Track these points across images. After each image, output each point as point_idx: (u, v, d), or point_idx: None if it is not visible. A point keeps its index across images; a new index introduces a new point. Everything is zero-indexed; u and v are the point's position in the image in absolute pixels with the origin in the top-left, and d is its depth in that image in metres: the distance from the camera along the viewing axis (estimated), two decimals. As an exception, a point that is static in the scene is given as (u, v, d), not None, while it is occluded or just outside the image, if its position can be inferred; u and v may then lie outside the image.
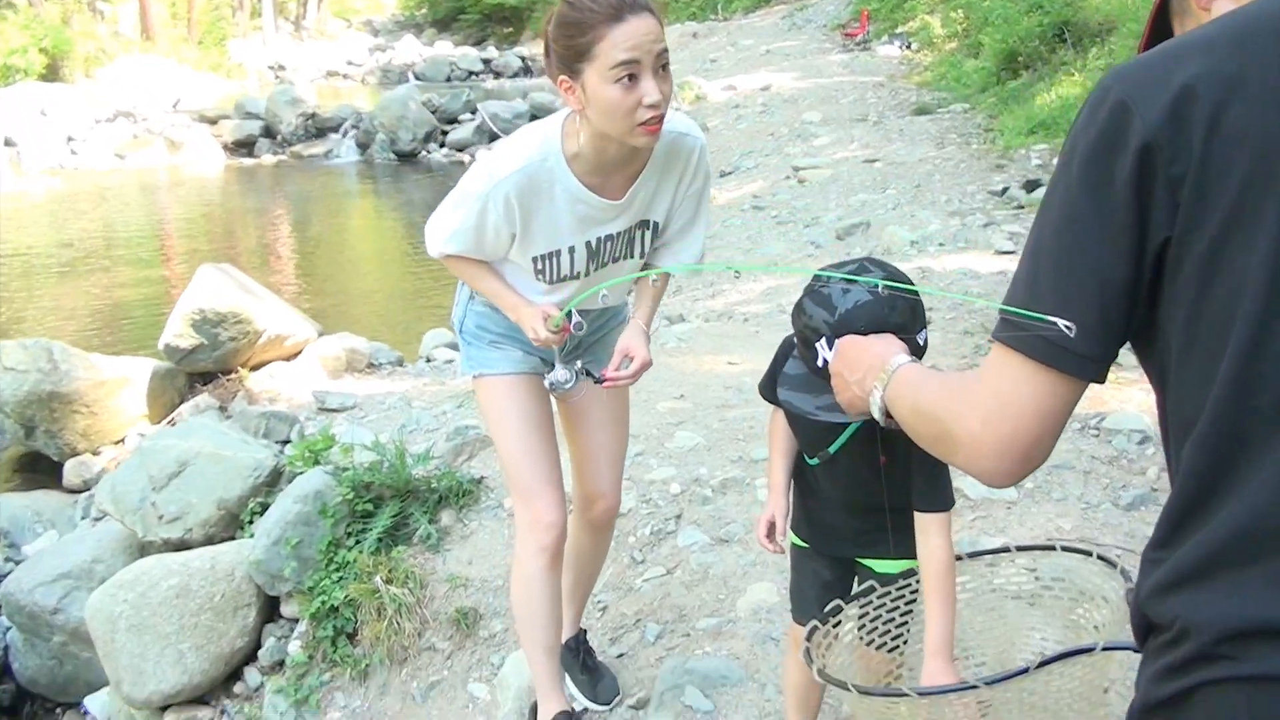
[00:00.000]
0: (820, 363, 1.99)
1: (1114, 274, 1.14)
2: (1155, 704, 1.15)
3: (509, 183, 2.55)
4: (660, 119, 2.43)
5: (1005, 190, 9.24)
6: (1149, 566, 1.18)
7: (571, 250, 2.69)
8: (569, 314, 2.65)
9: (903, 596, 2.37)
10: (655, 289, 2.89)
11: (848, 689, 1.95)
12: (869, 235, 8.74)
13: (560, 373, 2.81)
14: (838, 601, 2.32)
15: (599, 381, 2.76)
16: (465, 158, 19.86)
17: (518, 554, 2.98)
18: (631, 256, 2.81)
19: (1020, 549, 2.35)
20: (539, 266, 2.71)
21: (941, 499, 2.20)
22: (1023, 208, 8.67)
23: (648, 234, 2.78)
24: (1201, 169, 1.09)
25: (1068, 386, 1.20)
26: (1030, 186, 9.12)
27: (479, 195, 2.58)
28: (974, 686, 1.85)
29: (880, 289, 1.96)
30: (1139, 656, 1.21)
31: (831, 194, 10.58)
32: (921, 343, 2.02)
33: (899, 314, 1.95)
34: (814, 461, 2.38)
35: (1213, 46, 1.12)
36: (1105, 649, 1.85)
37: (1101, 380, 1.21)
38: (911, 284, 2.01)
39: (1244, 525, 1.08)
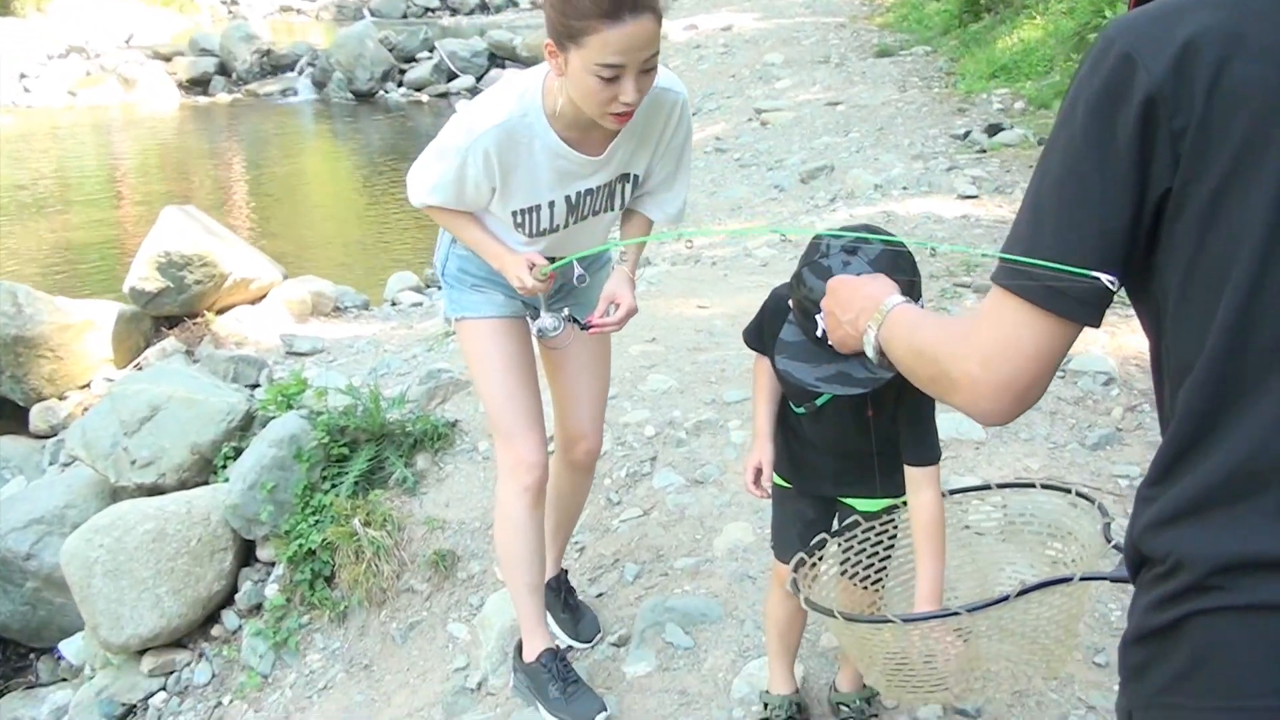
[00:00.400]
0: (820, 333, 2.02)
1: (1114, 223, 1.19)
2: (1148, 632, 1.21)
3: (488, 137, 2.55)
4: (632, 112, 2.45)
5: (968, 134, 9.27)
6: (1142, 504, 1.24)
7: (551, 205, 2.71)
8: (565, 266, 2.68)
9: (885, 532, 2.44)
10: (642, 233, 2.91)
11: (834, 616, 2.02)
12: (833, 179, 8.77)
13: (547, 320, 2.84)
14: (823, 535, 2.39)
15: (585, 328, 2.79)
16: (423, 97, 19.63)
17: (500, 495, 3.03)
18: (611, 209, 2.83)
19: (1000, 486, 2.43)
20: (518, 220, 2.73)
21: (930, 452, 2.27)
22: (985, 151, 8.71)
23: (628, 187, 2.80)
24: (1203, 123, 1.13)
25: (1066, 330, 1.24)
26: (992, 130, 9.16)
27: (459, 149, 2.59)
28: (956, 613, 1.92)
29: (868, 250, 2.01)
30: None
31: (794, 137, 10.58)
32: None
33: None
34: (800, 410, 2.44)
35: (1215, 4, 1.15)
36: (1083, 579, 1.92)
37: (1097, 324, 1.26)
38: (910, 253, 2.04)
39: (1238, 463, 1.13)
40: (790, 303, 2.17)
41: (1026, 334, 1.25)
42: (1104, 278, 1.19)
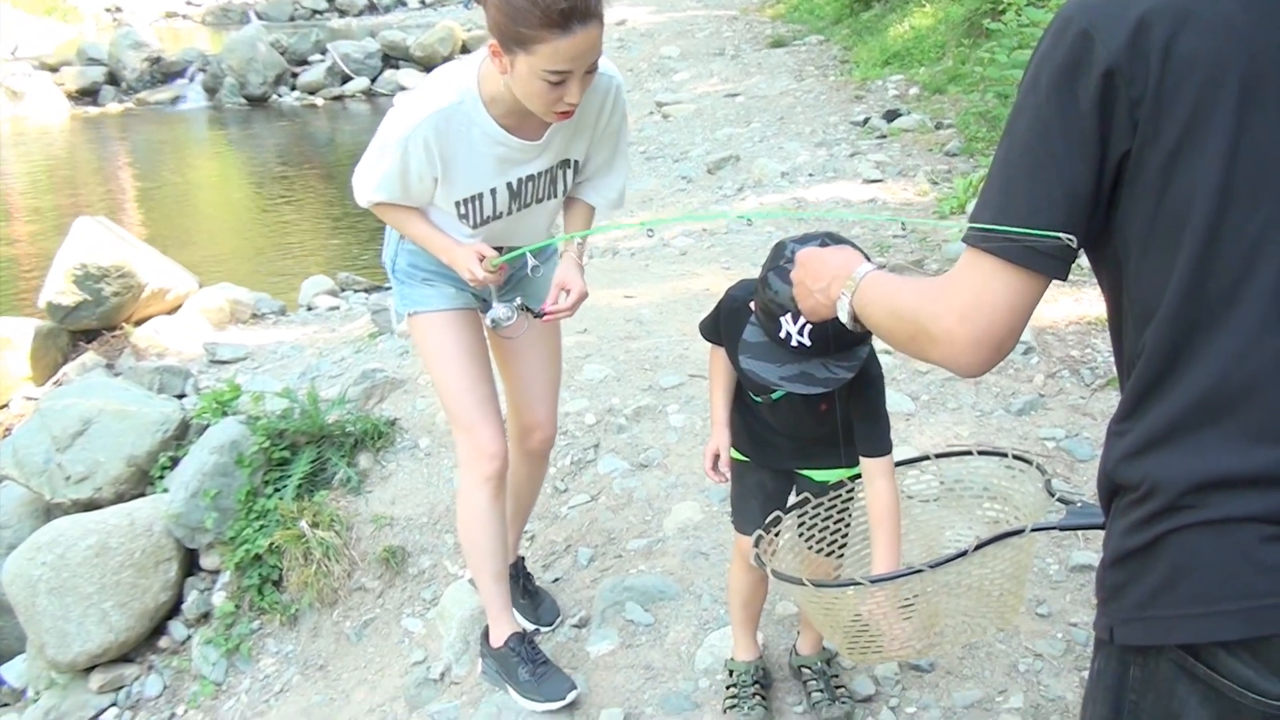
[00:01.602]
0: (783, 334, 2.14)
1: (1079, 183, 1.32)
2: (1126, 553, 1.34)
3: (426, 125, 2.60)
4: (575, 108, 2.54)
5: (867, 120, 9.50)
6: (1114, 438, 1.38)
7: (494, 192, 2.76)
8: (517, 258, 2.76)
9: (835, 505, 2.56)
10: (584, 222, 3.00)
11: (802, 584, 2.13)
12: (739, 169, 8.93)
13: (500, 310, 2.90)
14: (777, 513, 2.52)
15: (539, 316, 2.86)
16: (318, 101, 19.40)
17: (462, 486, 3.09)
18: (555, 196, 2.89)
19: (939, 456, 2.56)
20: (462, 210, 2.77)
21: (883, 444, 2.40)
22: (885, 137, 8.95)
23: (569, 173, 2.87)
24: (1158, 90, 1.26)
25: (1037, 284, 1.37)
26: (890, 116, 9.41)
27: (399, 141, 2.63)
28: (919, 570, 2.04)
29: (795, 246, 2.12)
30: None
31: (697, 129, 10.73)
32: None
33: None
34: (758, 400, 2.56)
35: None
36: (1034, 529, 2.05)
37: (1064, 277, 1.38)
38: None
39: (1202, 393, 1.27)
40: (753, 304, 2.27)
41: (1000, 288, 1.36)
42: (1064, 236, 1.32)
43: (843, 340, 2.13)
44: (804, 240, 2.10)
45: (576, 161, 2.86)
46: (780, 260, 2.15)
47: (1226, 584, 1.24)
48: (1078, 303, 4.83)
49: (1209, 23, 1.25)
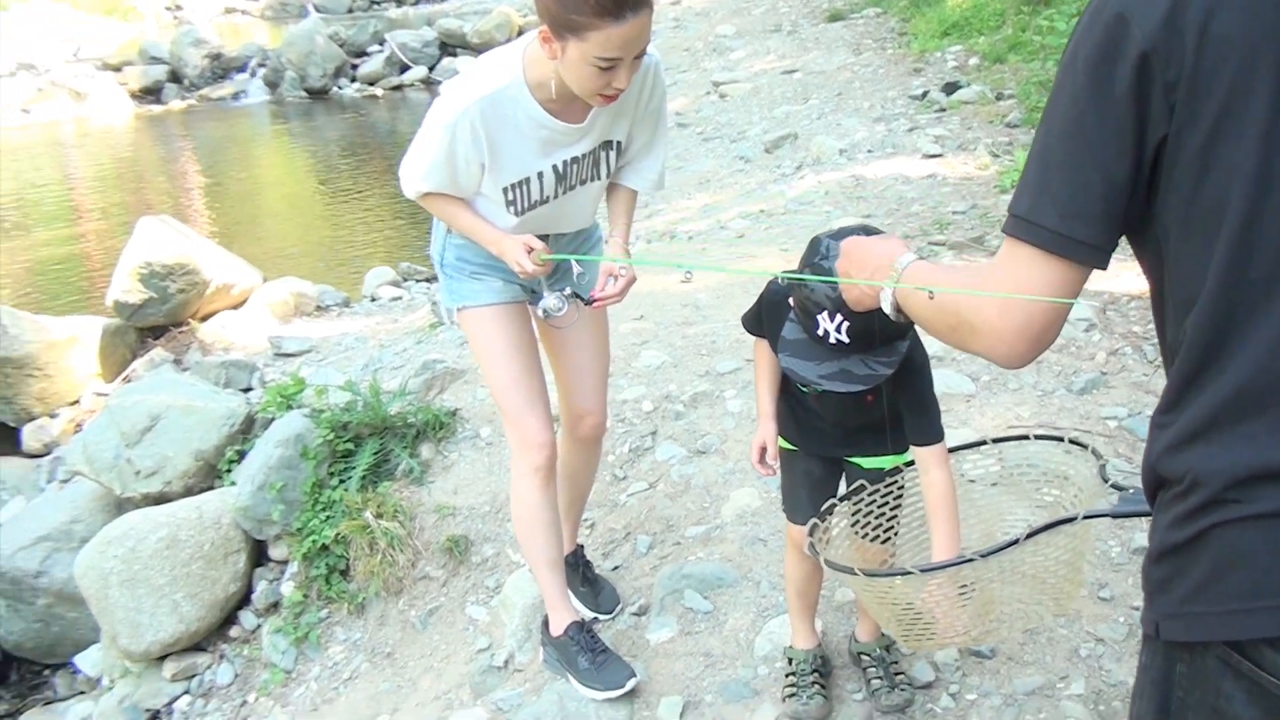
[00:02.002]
0: (821, 332, 2.14)
1: (1117, 169, 1.29)
2: (1170, 548, 1.32)
3: (474, 109, 2.62)
4: (620, 93, 2.56)
5: (925, 94, 9.40)
6: (1157, 430, 1.35)
7: (540, 176, 2.78)
8: (562, 261, 2.78)
9: (890, 492, 2.55)
10: (626, 206, 3.02)
11: (854, 573, 2.13)
12: (797, 147, 8.88)
13: (551, 299, 2.92)
14: (832, 501, 2.51)
15: (589, 303, 2.88)
16: (378, 91, 19.57)
17: (513, 477, 3.12)
18: (598, 178, 2.91)
19: (996, 441, 2.53)
20: (510, 196, 2.79)
21: (935, 431, 2.38)
22: (944, 110, 8.84)
23: (612, 154, 2.89)
24: (1194, 74, 1.23)
25: (1076, 273, 1.35)
26: (949, 89, 9.29)
27: (446, 126, 2.65)
28: (970, 559, 2.02)
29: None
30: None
31: (754, 107, 10.68)
32: None
33: None
34: (804, 390, 2.55)
35: None
36: (1086, 517, 2.02)
37: (1104, 266, 1.36)
38: None
39: (1245, 383, 1.24)
40: (791, 301, 2.27)
41: (1040, 279, 1.35)
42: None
43: (883, 335, 2.12)
44: (839, 234, 2.10)
45: (619, 142, 2.88)
46: (815, 257, 2.14)
47: (1271, 579, 1.21)
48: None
49: (1244, 3, 1.22)
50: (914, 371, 2.34)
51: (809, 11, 14.79)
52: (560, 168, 2.80)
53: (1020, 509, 2.52)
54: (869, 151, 8.12)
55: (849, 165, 7.85)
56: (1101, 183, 1.30)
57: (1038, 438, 2.43)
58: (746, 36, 14.03)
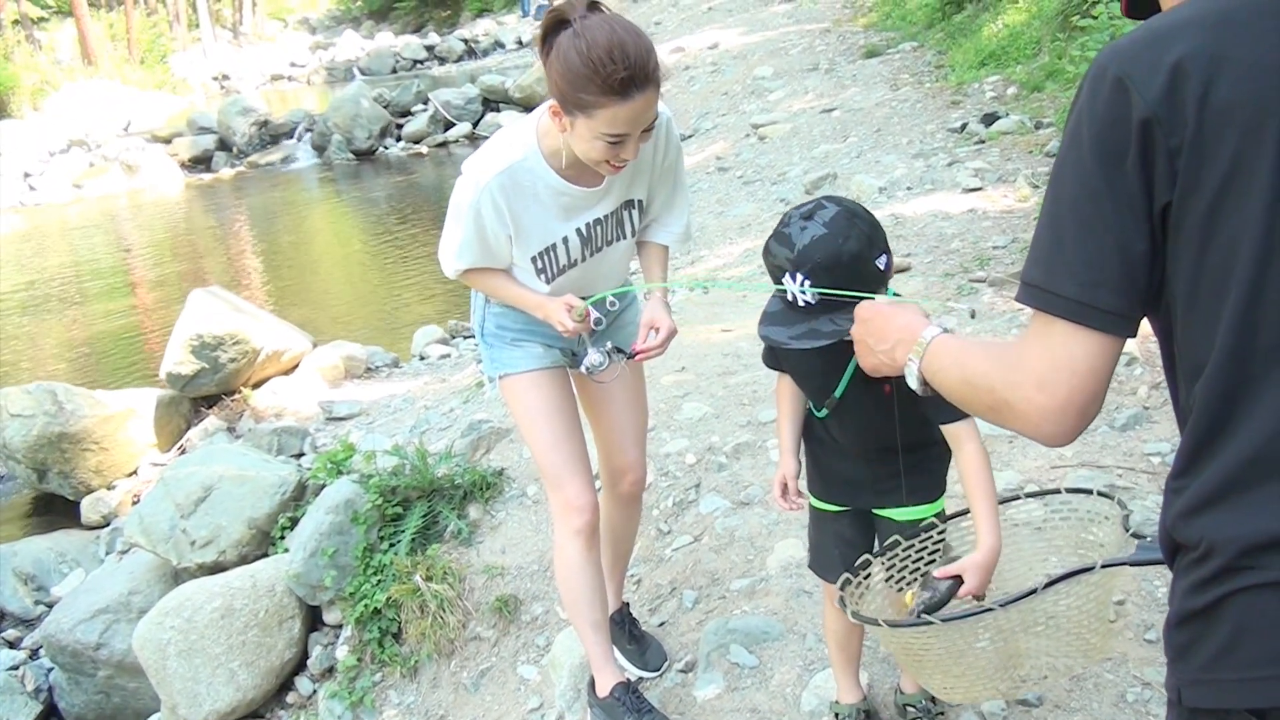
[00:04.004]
0: (790, 297, 2.19)
1: (1132, 237, 1.28)
2: (1189, 615, 1.31)
3: (494, 185, 2.69)
4: (627, 164, 2.63)
5: (964, 126, 9.36)
6: (1171, 496, 1.34)
7: (565, 241, 2.84)
8: (599, 301, 2.82)
9: (925, 548, 2.51)
10: (659, 261, 3.06)
11: (879, 624, 2.11)
12: (836, 187, 8.87)
13: (594, 356, 2.93)
14: (866, 556, 2.47)
15: (630, 357, 2.91)
16: (423, 149, 19.88)
17: (556, 540, 3.15)
18: (624, 237, 2.96)
19: (1029, 495, 2.49)
20: (539, 265, 2.85)
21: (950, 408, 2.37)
22: (983, 142, 8.81)
23: (635, 212, 2.93)
24: (1196, 140, 1.23)
25: (1110, 343, 1.32)
26: (988, 120, 9.25)
27: (470, 205, 2.72)
28: (990, 609, 2.00)
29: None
30: (1156, 569, 1.37)
31: (794, 148, 10.69)
32: (882, 267, 2.21)
33: (854, 242, 2.16)
34: (823, 413, 2.54)
35: (1198, 28, 1.25)
36: (1104, 566, 2.00)
37: (1134, 334, 1.34)
38: (868, 213, 2.25)
39: (1255, 450, 1.24)
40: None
41: (1078, 352, 1.32)
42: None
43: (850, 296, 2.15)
44: (805, 209, 2.22)
45: (640, 201, 2.93)
46: (780, 225, 2.22)
47: None
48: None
49: (1247, 69, 1.22)
50: None
51: (845, 49, 14.82)
52: (584, 230, 2.85)
53: (1062, 554, 2.48)
54: (908, 189, 8.10)
55: (888, 204, 7.83)
56: (1118, 251, 1.29)
57: (1068, 491, 2.40)
58: (784, 77, 14.07)
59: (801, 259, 2.15)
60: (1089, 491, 2.29)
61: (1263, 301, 1.22)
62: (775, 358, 2.61)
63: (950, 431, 2.34)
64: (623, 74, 2.41)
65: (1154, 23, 1.31)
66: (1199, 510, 1.29)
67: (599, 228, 2.87)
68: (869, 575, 2.46)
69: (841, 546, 2.63)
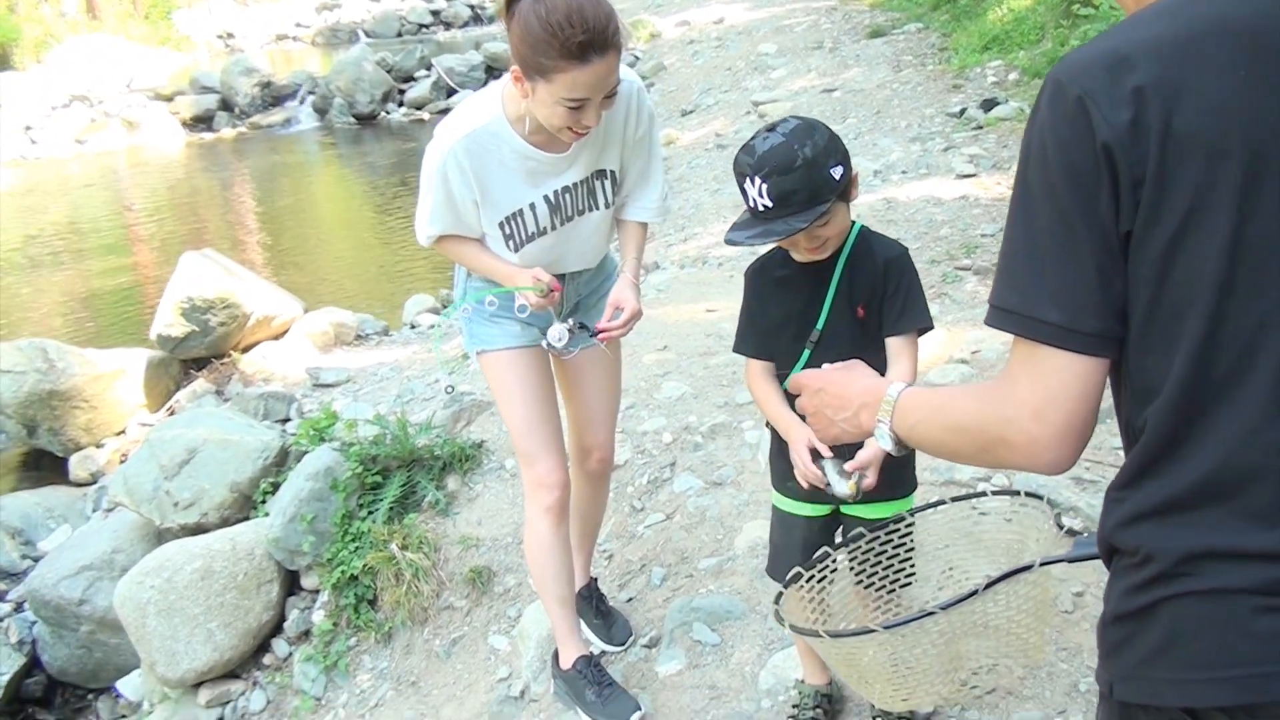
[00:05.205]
0: (751, 201, 2.30)
1: (1105, 257, 1.28)
2: (1125, 614, 1.34)
3: (458, 148, 2.73)
4: (589, 130, 2.66)
5: (963, 111, 9.35)
6: (1113, 504, 1.37)
7: (533, 207, 2.86)
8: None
9: (890, 540, 2.49)
10: (634, 240, 3.09)
11: (819, 635, 2.09)
12: (832, 168, 8.86)
13: (556, 329, 2.98)
14: (825, 549, 2.46)
15: (593, 335, 2.95)
16: (425, 115, 19.77)
17: (527, 515, 3.21)
18: (595, 208, 2.97)
19: (955, 500, 2.48)
20: (506, 231, 2.88)
21: (916, 316, 2.48)
22: (981, 128, 8.80)
23: (607, 184, 2.95)
24: (1158, 172, 1.23)
25: (1099, 365, 1.31)
26: (987, 105, 9.24)
27: (437, 170, 2.77)
28: (932, 613, 2.01)
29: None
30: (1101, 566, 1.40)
31: (793, 128, 10.66)
32: (836, 177, 2.29)
33: (809, 149, 2.26)
34: (801, 362, 2.51)
35: (1158, 54, 1.25)
36: (1042, 564, 2.02)
37: (1117, 356, 1.33)
38: (829, 129, 2.36)
39: (1203, 477, 1.26)
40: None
41: (1068, 377, 1.30)
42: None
43: (804, 197, 2.27)
44: (771, 123, 2.35)
45: (613, 172, 2.94)
46: (750, 139, 2.33)
47: (1222, 652, 1.25)
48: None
49: (1207, 100, 1.22)
50: (902, 271, 2.50)
51: (850, 28, 14.76)
52: (553, 198, 2.87)
53: (997, 549, 2.48)
54: (903, 173, 8.11)
55: (882, 187, 7.84)
56: (1094, 270, 1.28)
57: (994, 494, 2.39)
58: (788, 54, 14.02)
59: (760, 164, 2.26)
60: (1015, 493, 2.31)
61: (1220, 335, 1.24)
62: (749, 339, 2.63)
63: (893, 345, 2.48)
64: (580, 37, 2.44)
65: (1114, 40, 1.30)
66: (1139, 520, 1.32)
67: (568, 196, 2.89)
68: (829, 572, 2.42)
69: (808, 553, 2.60)
